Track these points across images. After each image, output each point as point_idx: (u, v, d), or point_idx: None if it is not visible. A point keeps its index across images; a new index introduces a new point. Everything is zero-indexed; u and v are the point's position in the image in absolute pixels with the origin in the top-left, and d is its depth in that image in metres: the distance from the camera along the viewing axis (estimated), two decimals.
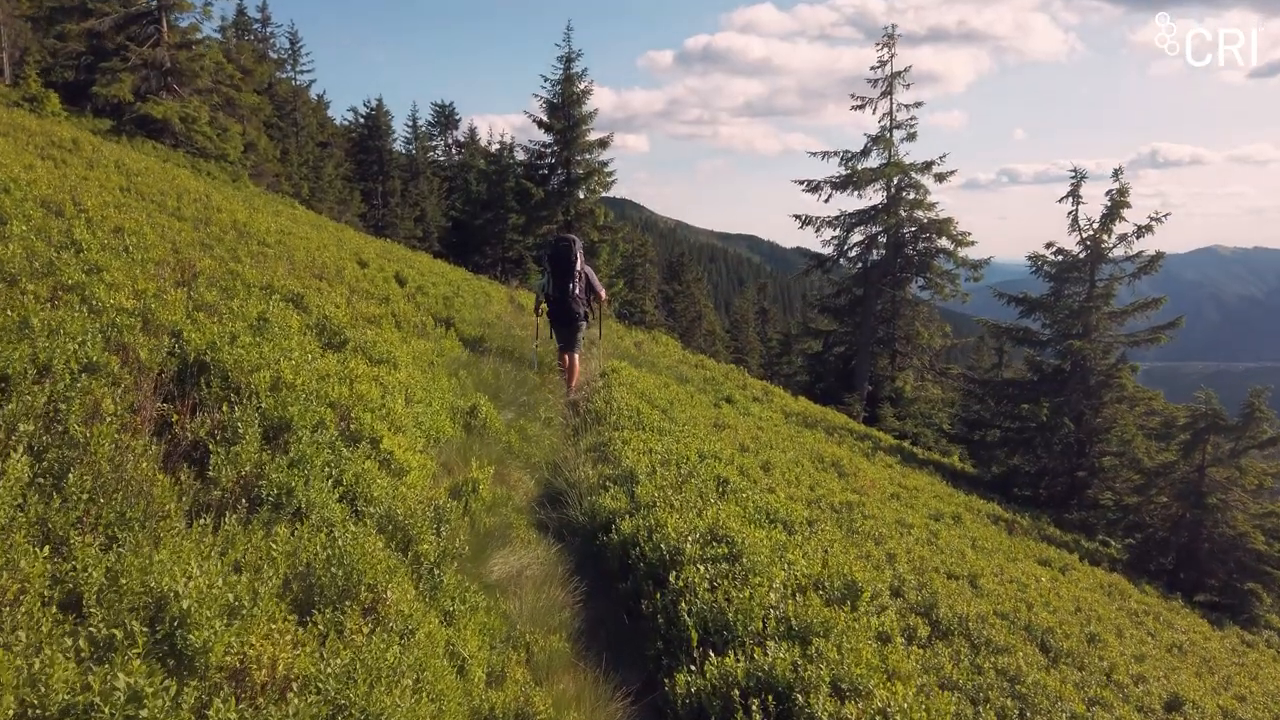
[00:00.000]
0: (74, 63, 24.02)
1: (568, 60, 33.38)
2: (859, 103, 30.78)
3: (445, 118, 55.20)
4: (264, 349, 4.32)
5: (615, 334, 20.57)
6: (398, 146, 49.36)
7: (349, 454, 4.00)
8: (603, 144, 34.09)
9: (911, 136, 30.32)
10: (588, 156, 33.70)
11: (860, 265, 31.97)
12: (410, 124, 52.09)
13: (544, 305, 9.86)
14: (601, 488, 5.80)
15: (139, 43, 23.79)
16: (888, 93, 30.18)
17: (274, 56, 43.16)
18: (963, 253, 30.28)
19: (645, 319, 41.25)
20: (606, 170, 33.99)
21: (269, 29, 44.24)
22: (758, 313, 62.50)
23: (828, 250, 32.24)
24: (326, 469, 3.70)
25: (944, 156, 29.85)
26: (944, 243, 30.64)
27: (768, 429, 13.83)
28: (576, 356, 10.06)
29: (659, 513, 4.78)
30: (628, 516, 5.03)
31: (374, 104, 46.24)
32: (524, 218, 35.33)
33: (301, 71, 45.92)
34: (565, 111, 33.20)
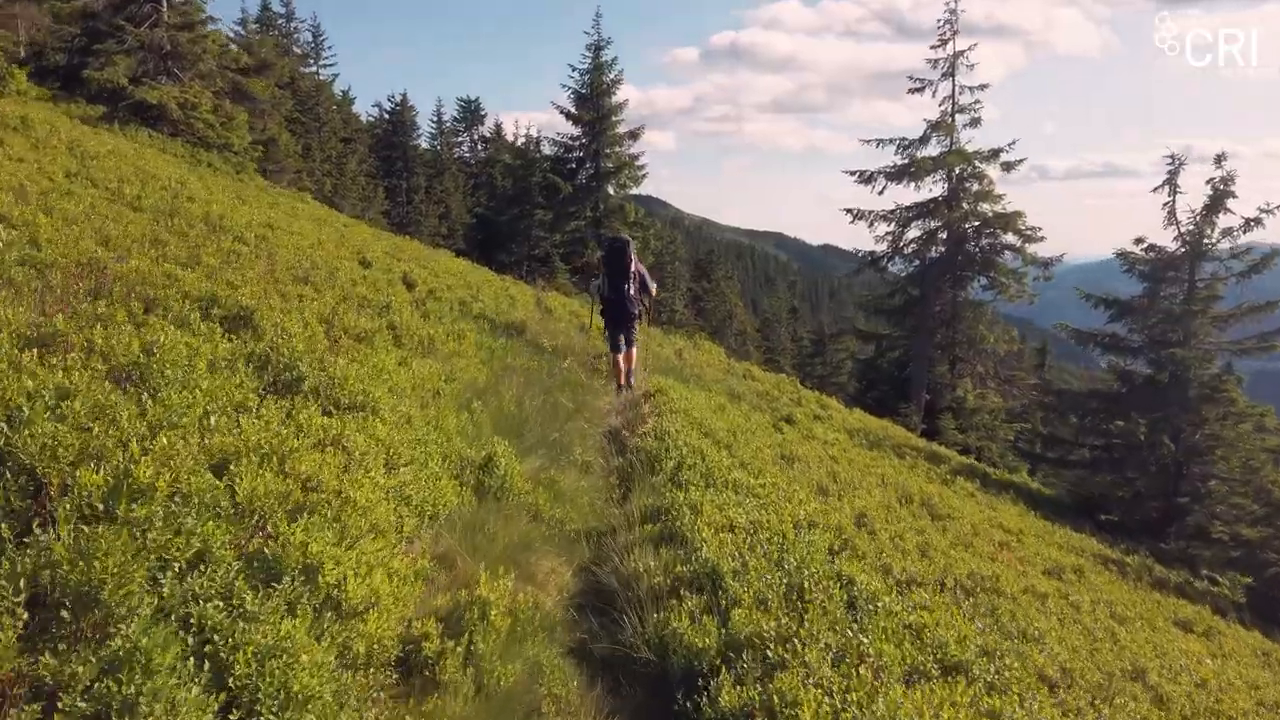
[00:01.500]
0: (65, 45, 22.66)
1: (597, 48, 32.28)
2: (917, 85, 28.68)
3: (471, 113, 54.63)
4: (121, 416, 2.58)
5: (653, 341, 18.84)
6: (422, 143, 49.26)
7: (254, 605, 2.27)
8: (633, 136, 33.09)
9: (975, 122, 28.19)
10: (617, 150, 32.74)
11: (917, 263, 29.85)
12: (435, 120, 51.76)
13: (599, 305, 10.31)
14: (672, 595, 4.02)
15: (136, 23, 22.36)
16: (949, 74, 28.03)
17: (297, 52, 42.75)
18: (1031, 249, 28.11)
19: (675, 318, 40.76)
20: (637, 164, 32.88)
21: (293, 24, 43.72)
22: (789, 312, 61.00)
23: (881, 247, 30.17)
24: (183, 665, 1.95)
25: (1013, 143, 27.67)
26: (1010, 238, 28.51)
27: (840, 458, 11.98)
28: (633, 352, 10.41)
29: (782, 678, 2.97)
30: (724, 666, 3.24)
31: (398, 99, 45.92)
32: (551, 214, 34.51)
33: (324, 65, 45.16)
34: (594, 102, 32.14)
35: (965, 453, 26.64)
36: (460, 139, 54.51)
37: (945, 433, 27.76)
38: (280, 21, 42.84)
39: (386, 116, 46.76)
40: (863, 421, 19.14)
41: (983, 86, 28.00)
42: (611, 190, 33.23)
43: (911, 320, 30.18)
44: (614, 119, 32.26)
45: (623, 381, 10.18)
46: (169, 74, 23.52)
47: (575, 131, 32.65)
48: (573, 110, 32.33)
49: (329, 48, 45.33)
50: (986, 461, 27.48)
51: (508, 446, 5.65)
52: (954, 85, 28.05)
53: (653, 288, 10.19)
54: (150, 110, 21.72)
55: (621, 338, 10.14)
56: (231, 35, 32.20)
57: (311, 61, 44.47)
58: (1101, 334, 21.07)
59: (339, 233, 15.24)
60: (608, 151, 32.41)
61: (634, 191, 34.10)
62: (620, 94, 32.17)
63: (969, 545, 8.59)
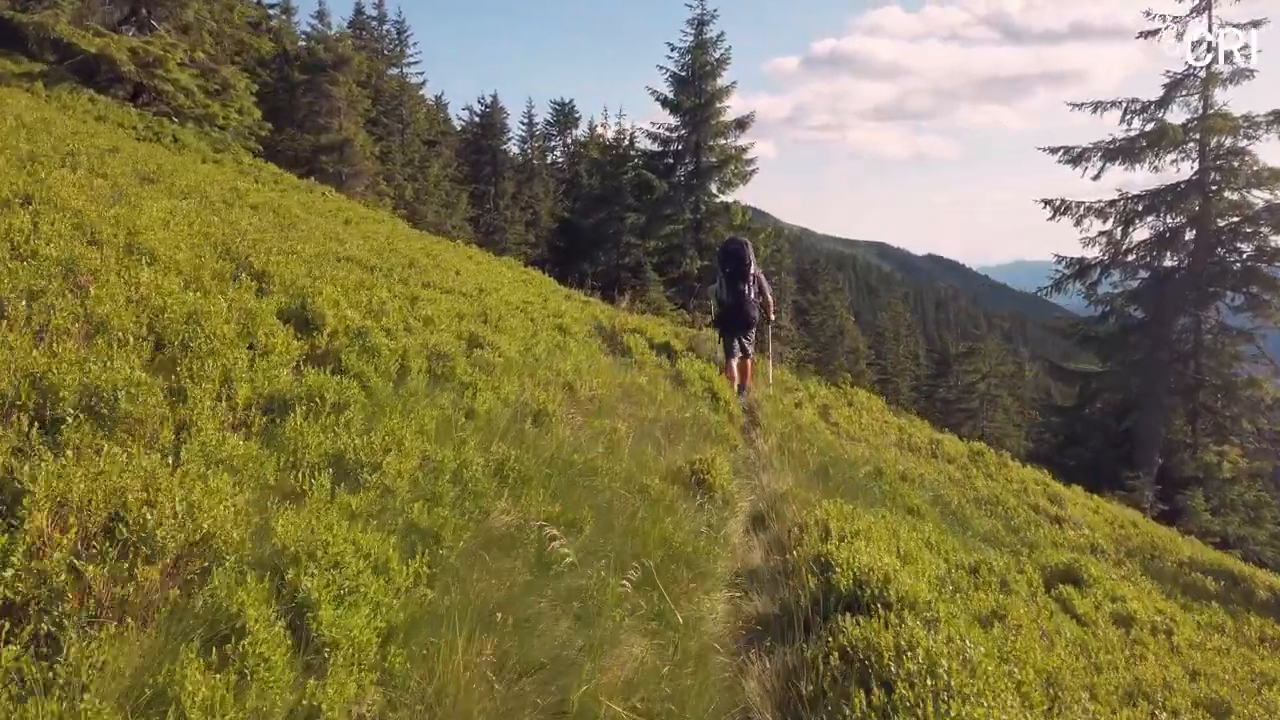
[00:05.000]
0: None
1: (700, 23, 29.00)
2: (1151, 27, 21.79)
3: (565, 116, 53.64)
4: None
5: (777, 386, 12.93)
6: (512, 147, 49.20)
7: None
8: (740, 126, 29.96)
9: (1238, 76, 21.06)
10: (721, 141, 29.68)
11: (1144, 275, 22.81)
12: (525, 122, 51.51)
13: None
14: None
15: None
16: (1204, 8, 20.97)
17: (386, 54, 42.81)
18: None
19: (782, 334, 38.09)
20: (745, 158, 29.49)
21: (385, 26, 43.72)
22: (907, 327, 59.47)
23: (1093, 251, 23.29)
24: None
25: None
26: None
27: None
28: (749, 362, 10.34)
29: None
30: None
31: (489, 101, 45.43)
32: (643, 216, 31.74)
33: (409, 64, 44.56)
34: (695, 86, 29.17)
35: (1225, 546, 19.67)
36: (553, 143, 54.06)
37: (1196, 514, 20.67)
38: (373, 24, 42.77)
39: (477, 119, 46.24)
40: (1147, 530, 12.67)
41: (1256, 23, 20.79)
42: (714, 188, 30.27)
43: (1135, 353, 23.18)
44: (718, 105, 29.19)
45: (738, 384, 10.03)
46: (144, 25, 18.87)
47: (673, 121, 29.81)
48: (670, 96, 29.40)
49: (414, 45, 44.90)
50: (1252, 557, 20.32)
51: None
52: (1211, 22, 21.01)
53: (770, 297, 10.27)
54: (102, 68, 17.01)
55: (738, 343, 10.10)
56: (308, 30, 31.67)
57: (395, 63, 43.68)
58: None
59: (316, 230, 9.79)
60: (710, 144, 29.50)
61: (733, 197, 30.68)
62: (726, 76, 29.34)
63: None
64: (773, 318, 10.96)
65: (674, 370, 10.86)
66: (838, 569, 4.22)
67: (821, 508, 6.27)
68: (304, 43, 30.08)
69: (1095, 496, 16.74)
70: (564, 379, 7.62)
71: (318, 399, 4.07)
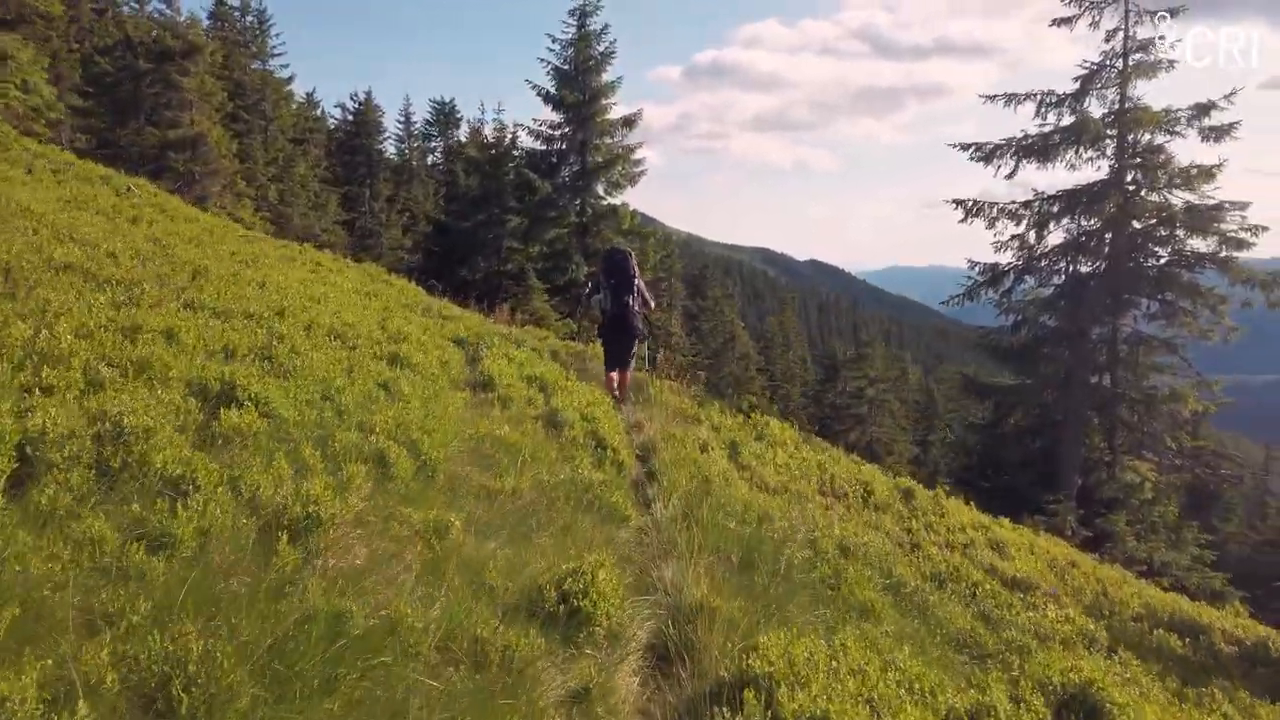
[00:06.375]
0: None
1: (583, 15, 27.33)
2: (1066, 14, 20.74)
3: (445, 116, 52.43)
4: None
5: (668, 406, 11.01)
6: (389, 147, 48.76)
7: None
8: (628, 124, 28.14)
9: (1155, 69, 20.13)
10: (608, 140, 27.94)
11: (1063, 280, 21.72)
12: (403, 121, 50.60)
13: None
14: None
15: None
16: None
17: (252, 48, 41.38)
18: (1240, 258, 19.98)
19: (672, 341, 38.14)
20: (633, 158, 27.78)
21: (248, 18, 42.12)
22: (796, 334, 60.29)
23: (1005, 256, 22.09)
24: None
25: (1234, 93, 19.43)
26: (1203, 244, 20.42)
27: None
28: (629, 374, 10.50)
29: None
30: None
31: (362, 98, 44.48)
32: (526, 219, 29.93)
33: (273, 55, 42.90)
34: (580, 81, 27.36)
35: (1151, 574, 18.70)
36: (434, 144, 53.39)
37: (1120, 540, 19.61)
38: (235, 15, 41.12)
39: (350, 117, 45.22)
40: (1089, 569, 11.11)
41: (1174, 11, 19.87)
42: (601, 189, 28.36)
43: (1048, 366, 22.11)
44: (604, 101, 27.46)
45: (618, 396, 10.11)
46: None
47: (557, 118, 27.89)
48: (553, 91, 27.47)
49: (277, 35, 43.29)
50: (1168, 577, 19.40)
51: None
52: (1127, 10, 20.02)
53: (652, 302, 10.29)
54: None
55: (621, 355, 10.17)
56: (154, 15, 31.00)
57: (259, 55, 42.06)
58: None
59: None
60: (596, 142, 27.76)
61: (621, 199, 28.91)
62: (611, 71, 27.61)
63: None
64: (652, 333, 10.44)
65: (549, 408, 8.66)
66: None
67: (759, 654, 4.20)
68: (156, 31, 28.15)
69: (1023, 529, 15.32)
70: (375, 446, 5.31)
71: None
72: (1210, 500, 27.66)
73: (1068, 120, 20.63)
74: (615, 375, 10.28)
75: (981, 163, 21.38)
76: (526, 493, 6.02)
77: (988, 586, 8.04)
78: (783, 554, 6.53)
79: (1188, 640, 10.92)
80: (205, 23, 37.68)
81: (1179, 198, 20.20)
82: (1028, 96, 20.86)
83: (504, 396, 8.48)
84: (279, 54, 43.73)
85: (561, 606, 4.23)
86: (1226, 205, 19.58)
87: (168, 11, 34.57)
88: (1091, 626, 8.27)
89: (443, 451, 5.89)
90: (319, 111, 49.57)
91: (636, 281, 9.87)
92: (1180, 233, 20.59)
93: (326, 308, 9.11)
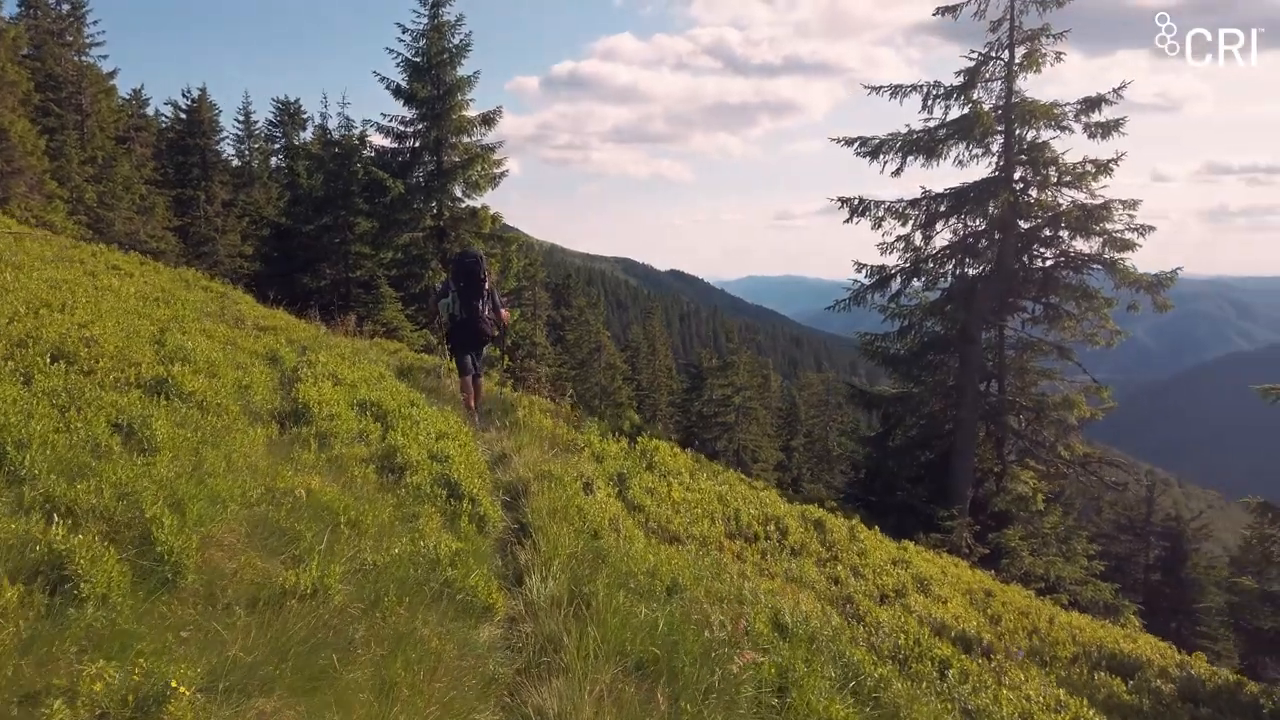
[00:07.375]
0: None
1: (435, 3, 25.26)
2: (950, 3, 19.92)
3: (290, 116, 49.33)
4: None
5: (540, 431, 9.27)
6: (227, 148, 46.39)
7: None
8: (487, 122, 26.40)
9: (1039, 61, 19.52)
10: (466, 139, 26.19)
11: (952, 283, 20.91)
12: (242, 120, 47.47)
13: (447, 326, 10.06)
14: None
15: None
16: None
17: (68, 39, 37.00)
18: (1128, 262, 19.62)
19: (537, 352, 37.80)
20: (493, 157, 26.00)
21: (62, 6, 37.10)
22: (662, 342, 59.85)
23: (891, 259, 21.13)
24: None
25: (1123, 87, 18.94)
26: (1088, 245, 20.01)
27: None
28: (480, 381, 10.36)
29: None
30: None
31: (195, 95, 41.65)
32: (376, 223, 27.60)
33: (91, 44, 37.85)
34: (433, 75, 25.36)
35: (1051, 591, 18.09)
36: (277, 145, 49.91)
37: (1020, 555, 18.84)
38: (48, 3, 36.55)
39: (182, 115, 42.15)
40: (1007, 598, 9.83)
41: (1061, 2, 19.34)
42: (459, 191, 26.45)
43: (935, 373, 21.27)
44: (460, 97, 25.63)
45: (473, 405, 9.89)
46: None
47: (409, 114, 25.82)
48: (404, 84, 25.35)
49: (94, 23, 38.21)
50: (1065, 592, 18.82)
51: None
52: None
53: (504, 310, 10.18)
54: None
55: (471, 361, 9.99)
56: None
57: (75, 46, 37.01)
58: None
59: None
60: (453, 140, 25.99)
61: (481, 202, 26.84)
62: (468, 65, 25.88)
63: None
64: (504, 339, 9.98)
65: (385, 446, 6.62)
66: None
67: None
68: None
69: (930, 554, 14.18)
70: (56, 546, 3.16)
71: None
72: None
73: (956, 114, 19.90)
74: (468, 381, 10.01)
75: (868, 158, 20.37)
76: (336, 589, 3.98)
77: (956, 664, 6.45)
78: (713, 653, 4.71)
79: (1129, 682, 10.00)
80: (15, 9, 34.37)
81: (1068, 196, 19.77)
82: (914, 88, 19.95)
83: (323, 432, 6.42)
84: (98, 43, 39.07)
85: None
86: (1116, 204, 19.21)
87: None
88: (1070, 700, 6.84)
89: (198, 533, 3.80)
90: (149, 110, 45.28)
91: (487, 286, 9.73)
92: (1064, 234, 20.15)
93: (71, 317, 6.71)
